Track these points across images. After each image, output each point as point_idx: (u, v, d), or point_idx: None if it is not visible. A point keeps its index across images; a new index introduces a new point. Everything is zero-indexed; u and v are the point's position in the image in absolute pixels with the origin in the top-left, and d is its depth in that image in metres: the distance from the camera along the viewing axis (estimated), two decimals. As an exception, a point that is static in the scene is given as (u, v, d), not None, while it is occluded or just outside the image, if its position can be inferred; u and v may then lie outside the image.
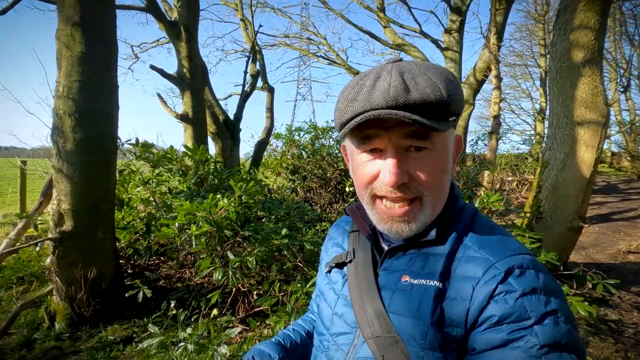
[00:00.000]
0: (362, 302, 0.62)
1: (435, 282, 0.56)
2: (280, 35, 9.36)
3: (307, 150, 5.85)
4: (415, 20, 8.49)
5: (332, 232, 0.85)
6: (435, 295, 0.55)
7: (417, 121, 0.51)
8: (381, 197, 0.60)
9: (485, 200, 3.13)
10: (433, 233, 0.60)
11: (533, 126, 17.31)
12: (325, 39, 10.02)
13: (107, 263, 2.96)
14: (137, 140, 3.23)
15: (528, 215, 3.93)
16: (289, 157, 5.83)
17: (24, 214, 2.92)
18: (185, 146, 3.79)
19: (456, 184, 0.69)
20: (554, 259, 2.68)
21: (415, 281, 0.58)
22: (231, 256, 2.40)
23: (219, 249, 2.51)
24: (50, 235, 2.71)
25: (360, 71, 11.05)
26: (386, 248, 0.66)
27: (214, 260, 2.42)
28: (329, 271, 0.75)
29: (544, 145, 3.92)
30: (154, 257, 3.66)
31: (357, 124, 0.54)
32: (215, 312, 2.69)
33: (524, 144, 16.32)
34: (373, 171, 0.59)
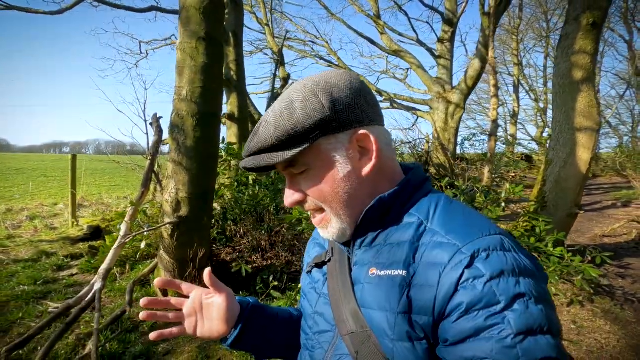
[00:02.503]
0: (338, 299, 0.64)
1: (400, 271, 0.56)
2: (282, 38, 9.75)
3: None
4: (414, 29, 9.37)
5: (315, 234, 0.86)
6: (400, 283, 0.55)
7: (250, 166, 0.61)
8: None
9: (511, 191, 3.89)
10: (374, 202, 0.61)
11: (504, 129, 18.81)
12: (327, 42, 10.56)
13: (208, 245, 3.40)
14: (223, 138, 3.67)
15: (533, 205, 4.76)
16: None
17: (132, 202, 3.28)
18: (229, 143, 4.27)
19: (420, 170, 0.69)
20: (563, 237, 3.50)
21: (382, 272, 0.58)
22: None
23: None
24: (167, 220, 3.12)
25: (357, 74, 11.73)
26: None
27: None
28: (310, 271, 0.77)
29: (547, 146, 4.75)
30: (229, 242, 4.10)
31: (242, 169, 0.68)
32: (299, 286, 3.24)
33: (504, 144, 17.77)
34: None
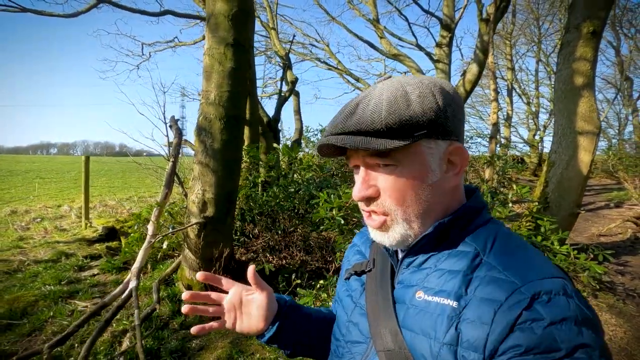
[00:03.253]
0: (377, 314, 0.62)
1: (450, 301, 0.54)
2: (289, 41, 9.87)
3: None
4: (413, 34, 9.49)
5: (356, 239, 0.85)
6: (449, 314, 0.53)
7: (348, 145, 0.54)
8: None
9: (518, 192, 4.07)
10: (432, 228, 0.59)
11: (500, 132, 19.16)
12: (328, 45, 10.71)
13: (231, 244, 3.49)
14: (243, 140, 3.76)
15: (537, 205, 4.96)
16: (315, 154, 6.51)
17: (157, 203, 3.35)
18: (248, 145, 4.38)
19: (480, 196, 0.67)
20: (566, 236, 3.68)
21: (430, 298, 0.56)
22: (358, 233, 3.08)
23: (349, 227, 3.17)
24: (194, 220, 3.20)
25: (357, 77, 11.84)
26: (400, 258, 0.65)
27: (346, 236, 3.08)
28: (348, 278, 0.75)
29: (550, 148, 4.95)
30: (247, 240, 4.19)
31: (316, 148, 0.61)
32: (321, 282, 3.35)
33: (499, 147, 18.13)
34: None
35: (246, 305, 0.72)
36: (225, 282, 0.73)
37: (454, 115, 0.58)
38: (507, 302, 0.49)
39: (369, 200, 0.61)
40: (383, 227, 0.61)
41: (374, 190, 0.60)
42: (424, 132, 0.55)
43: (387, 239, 0.61)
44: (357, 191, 0.60)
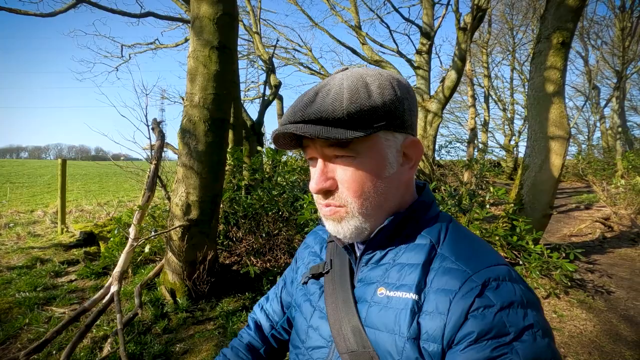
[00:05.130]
0: (338, 315, 0.61)
1: (411, 294, 0.55)
2: (272, 46, 9.91)
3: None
4: (394, 41, 9.69)
5: (310, 240, 0.83)
6: (411, 308, 0.54)
7: (308, 133, 0.52)
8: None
9: (495, 194, 4.24)
10: (387, 222, 0.59)
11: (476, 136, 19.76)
12: (310, 50, 10.82)
13: (215, 247, 3.47)
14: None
15: (512, 206, 5.16)
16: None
17: (139, 206, 3.30)
18: (233, 148, 4.38)
19: (430, 190, 0.68)
20: (540, 236, 3.87)
21: (391, 293, 0.57)
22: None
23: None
24: (177, 223, 3.17)
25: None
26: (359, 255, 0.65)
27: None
28: (305, 282, 0.73)
29: (524, 153, 5.18)
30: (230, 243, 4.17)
31: (271, 138, 0.59)
32: None
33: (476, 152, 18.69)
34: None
35: None
36: None
37: (410, 109, 0.59)
38: (460, 291, 0.51)
39: (327, 193, 0.60)
40: (336, 215, 0.60)
41: (331, 183, 0.59)
42: (382, 123, 0.55)
43: (341, 229, 0.60)
44: (315, 183, 0.59)
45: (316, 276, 0.71)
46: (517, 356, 0.46)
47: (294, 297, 0.78)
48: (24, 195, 10.25)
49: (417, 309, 0.54)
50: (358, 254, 0.66)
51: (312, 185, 0.59)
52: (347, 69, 0.59)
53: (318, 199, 0.62)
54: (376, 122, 0.54)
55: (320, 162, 0.59)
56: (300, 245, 0.86)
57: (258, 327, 0.87)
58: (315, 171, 0.60)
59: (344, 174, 0.57)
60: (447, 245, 0.58)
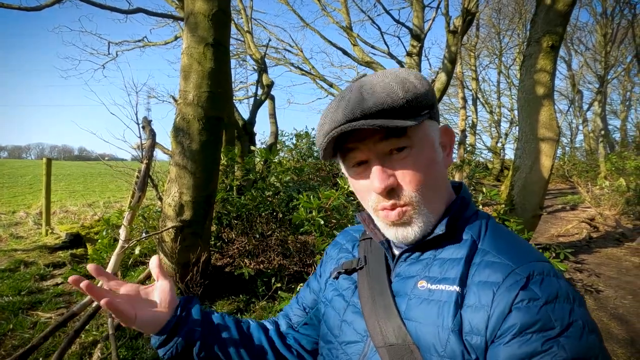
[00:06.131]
0: (374, 309, 0.60)
1: (455, 287, 0.54)
2: (264, 45, 9.85)
3: (305, 153, 6.63)
4: (385, 43, 9.80)
5: (340, 238, 0.84)
6: (455, 300, 0.53)
7: (378, 125, 0.52)
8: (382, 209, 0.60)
9: (488, 194, 4.28)
10: (443, 227, 0.59)
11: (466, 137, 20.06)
12: (301, 51, 10.78)
13: (208, 249, 3.40)
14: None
15: (504, 207, 5.23)
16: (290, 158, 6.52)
17: (130, 207, 3.21)
18: (227, 148, 4.32)
19: (466, 187, 0.69)
20: (530, 236, 3.93)
21: (434, 286, 0.56)
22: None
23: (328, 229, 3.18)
24: (170, 224, 3.09)
25: (330, 82, 12.00)
26: (397, 254, 0.65)
27: (325, 238, 3.09)
28: (337, 277, 0.73)
29: (515, 154, 5.26)
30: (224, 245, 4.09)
31: (325, 144, 0.57)
32: (301, 285, 3.35)
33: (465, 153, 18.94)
34: (365, 184, 0.60)
35: (146, 295, 0.67)
36: (114, 283, 0.66)
37: (436, 103, 0.62)
38: (504, 283, 0.51)
39: (390, 192, 0.58)
40: (407, 219, 0.59)
41: (394, 179, 0.57)
42: (427, 112, 0.57)
43: (412, 231, 0.59)
44: (379, 181, 0.56)
45: (349, 272, 0.71)
46: (563, 351, 0.45)
47: (324, 292, 0.77)
48: (5, 195, 9.91)
49: (460, 302, 0.53)
50: (395, 252, 0.67)
51: (376, 185, 0.57)
52: (365, 75, 0.60)
53: (379, 203, 0.60)
54: (423, 110, 0.56)
55: (375, 162, 0.58)
56: (329, 246, 0.86)
57: (276, 324, 0.85)
58: (374, 171, 0.57)
59: (404, 167, 0.57)
60: (488, 240, 0.58)
